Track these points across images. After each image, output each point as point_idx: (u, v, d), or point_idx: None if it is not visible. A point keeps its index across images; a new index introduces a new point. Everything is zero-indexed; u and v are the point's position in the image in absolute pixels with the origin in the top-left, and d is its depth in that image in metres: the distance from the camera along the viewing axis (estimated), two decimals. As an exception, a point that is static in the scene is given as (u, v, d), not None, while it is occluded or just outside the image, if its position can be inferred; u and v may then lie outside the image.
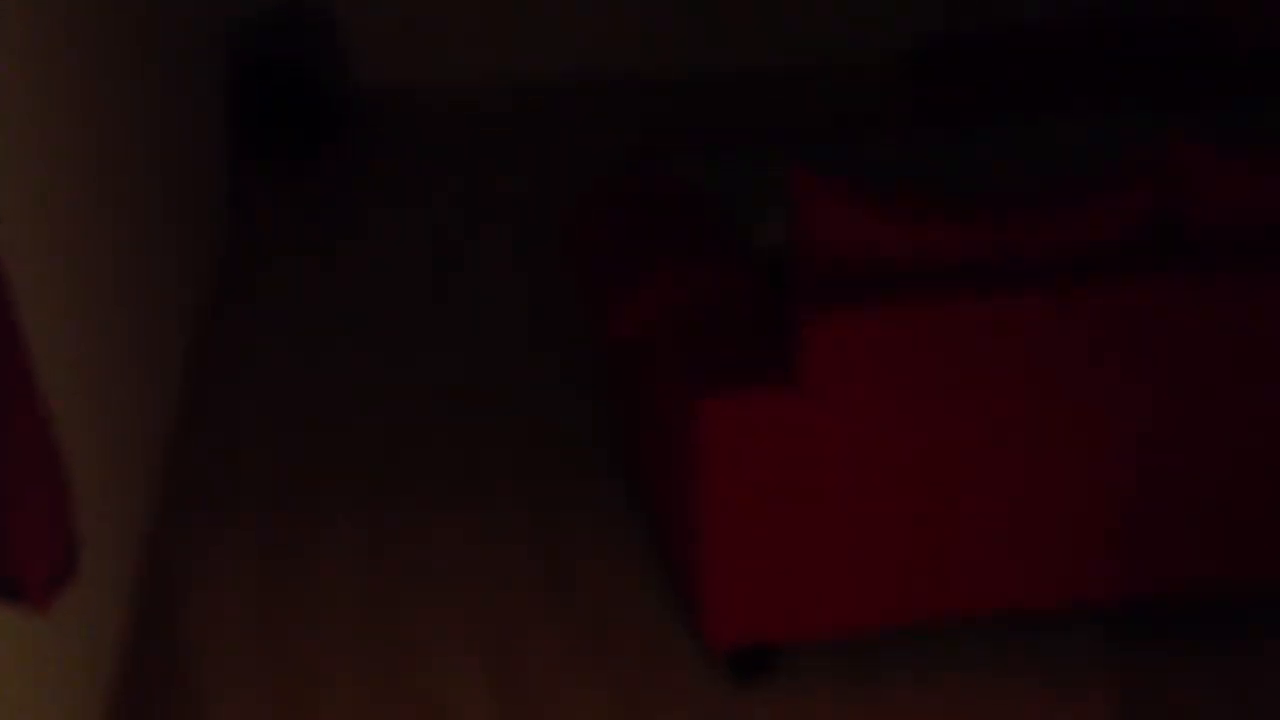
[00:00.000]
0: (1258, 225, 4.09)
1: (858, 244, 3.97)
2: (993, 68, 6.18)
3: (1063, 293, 3.88)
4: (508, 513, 4.85)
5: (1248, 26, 6.42)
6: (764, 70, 8.49)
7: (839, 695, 4.07)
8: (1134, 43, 6.20)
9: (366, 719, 4.03)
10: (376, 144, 7.71)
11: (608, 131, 7.75)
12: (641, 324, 4.28)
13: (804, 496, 3.91)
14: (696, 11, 8.40)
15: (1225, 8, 6.87)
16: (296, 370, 5.69)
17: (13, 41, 3.60)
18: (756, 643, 4.02)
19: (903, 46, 8.51)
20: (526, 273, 6.34)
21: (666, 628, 4.34)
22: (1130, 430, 4.00)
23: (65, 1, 4.14)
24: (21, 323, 3.31)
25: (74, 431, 3.93)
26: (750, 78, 8.37)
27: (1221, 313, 3.95)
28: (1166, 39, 6.20)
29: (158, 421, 5.03)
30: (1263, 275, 3.95)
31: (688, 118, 7.90)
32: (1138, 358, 3.95)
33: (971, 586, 4.04)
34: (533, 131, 7.78)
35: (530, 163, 7.40)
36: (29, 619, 3.41)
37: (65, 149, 4.05)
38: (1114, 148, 5.02)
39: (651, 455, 4.37)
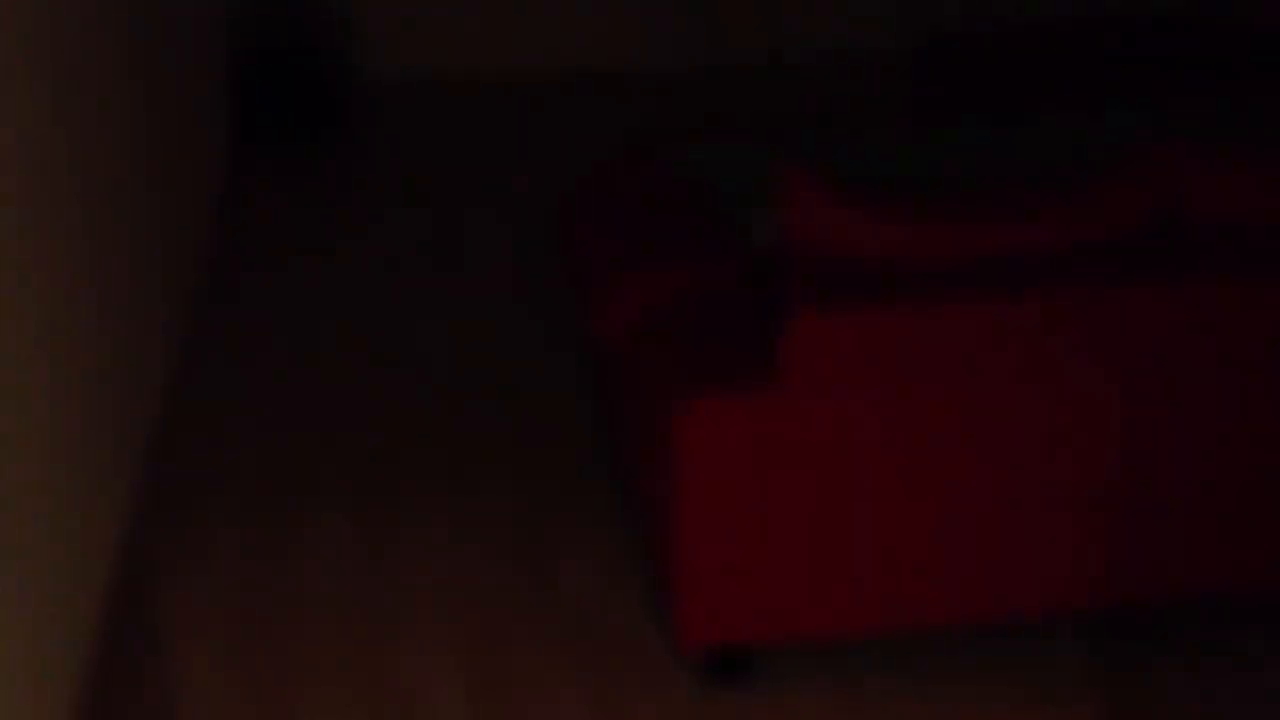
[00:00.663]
0: (1256, 225, 4.06)
1: (847, 244, 3.95)
2: (993, 67, 6.16)
3: (1054, 294, 3.85)
4: (493, 513, 4.84)
5: (1267, 26, 6.38)
6: (763, 67, 8.48)
7: (819, 700, 4.05)
8: (1134, 42, 6.17)
9: (347, 717, 4.02)
10: (376, 137, 7.70)
11: (608, 127, 7.74)
12: (625, 324, 4.27)
13: (784, 499, 3.89)
14: (697, 9, 8.39)
15: (1245, 7, 6.83)
16: (288, 366, 5.68)
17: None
18: (734, 645, 4.01)
19: (903, 45, 8.49)
20: (525, 269, 6.33)
21: (649, 629, 4.32)
22: (1121, 435, 3.97)
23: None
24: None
25: (54, 427, 3.92)
26: (750, 75, 8.35)
27: (1219, 314, 3.92)
28: (1167, 38, 6.17)
29: (140, 419, 5.02)
30: (1261, 276, 3.92)
31: (688, 113, 7.89)
32: (1132, 361, 3.92)
33: (955, 593, 4.02)
34: (534, 126, 7.77)
35: (530, 157, 7.39)
36: (2, 617, 3.40)
37: (47, 141, 4.04)
38: (1113, 147, 4.99)
39: (635, 456, 4.36)
